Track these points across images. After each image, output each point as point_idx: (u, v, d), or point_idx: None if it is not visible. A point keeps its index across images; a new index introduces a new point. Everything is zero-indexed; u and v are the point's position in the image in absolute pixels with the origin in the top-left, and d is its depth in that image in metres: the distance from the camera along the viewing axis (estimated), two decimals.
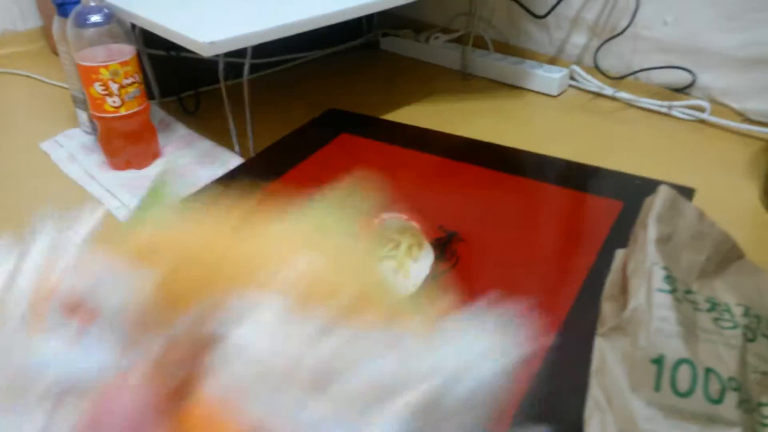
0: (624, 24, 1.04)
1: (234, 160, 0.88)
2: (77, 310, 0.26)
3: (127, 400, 0.24)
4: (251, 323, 0.26)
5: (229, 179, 0.81)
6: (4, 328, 0.26)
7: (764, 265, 0.65)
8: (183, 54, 0.98)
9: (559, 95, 1.10)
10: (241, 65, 0.82)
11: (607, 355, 0.45)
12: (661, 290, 0.46)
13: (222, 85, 0.84)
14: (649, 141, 0.95)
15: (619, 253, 0.57)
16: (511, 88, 1.13)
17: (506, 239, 0.68)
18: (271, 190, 0.79)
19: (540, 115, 1.04)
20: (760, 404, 0.46)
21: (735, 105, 0.98)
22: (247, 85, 0.84)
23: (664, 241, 0.49)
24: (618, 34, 1.05)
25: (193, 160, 0.90)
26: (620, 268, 0.54)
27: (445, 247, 0.68)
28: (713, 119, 0.97)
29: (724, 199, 0.81)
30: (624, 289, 0.50)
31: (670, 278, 0.46)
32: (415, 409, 0.25)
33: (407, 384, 0.25)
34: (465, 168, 0.82)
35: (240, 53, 0.80)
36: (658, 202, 0.51)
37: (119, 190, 0.84)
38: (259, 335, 0.26)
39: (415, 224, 0.63)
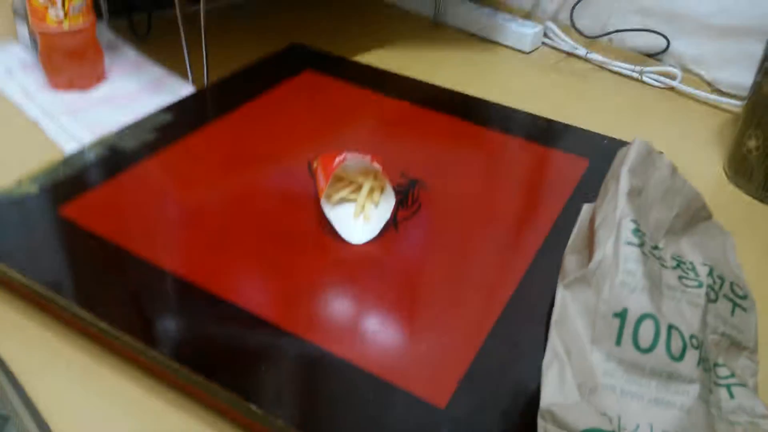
0: None
1: (185, 89, 0.82)
2: None
3: None
4: None
5: (178, 108, 0.75)
6: None
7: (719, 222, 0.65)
8: None
9: (531, 52, 1.07)
10: None
11: (569, 305, 0.43)
12: (629, 243, 0.44)
13: (177, 8, 0.77)
14: (617, 104, 0.93)
15: (586, 207, 0.55)
16: (483, 41, 1.09)
17: (469, 190, 0.66)
18: (223, 122, 0.74)
19: (510, 71, 1.01)
20: (716, 364, 0.45)
21: (705, 75, 0.97)
22: (203, 6, 0.77)
23: (635, 194, 0.47)
24: None
25: (140, 86, 0.84)
26: (587, 221, 0.52)
27: (407, 193, 0.65)
28: (683, 87, 0.96)
29: (688, 167, 0.81)
30: (589, 243, 0.49)
31: (638, 232, 0.45)
32: None
33: None
34: (431, 115, 0.78)
35: None
36: (631, 153, 0.49)
37: (59, 112, 0.78)
38: None
39: (377, 166, 0.60)
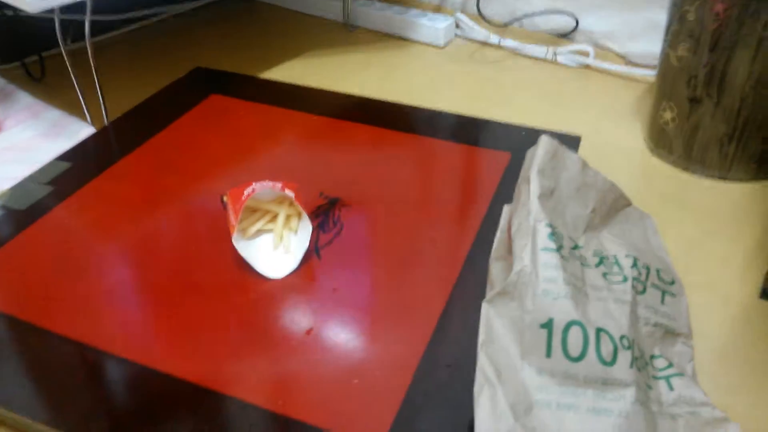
0: None
1: (85, 130, 0.77)
2: None
3: None
4: None
5: (76, 153, 0.71)
6: None
7: (651, 207, 0.65)
8: (20, 13, 0.85)
9: (445, 46, 1.05)
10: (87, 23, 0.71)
11: (494, 322, 0.41)
12: (547, 249, 0.42)
13: (62, 46, 0.72)
14: (535, 89, 0.93)
15: (506, 209, 0.54)
16: (397, 39, 1.07)
17: (394, 201, 0.63)
18: (128, 161, 0.69)
19: (427, 67, 0.99)
20: (653, 356, 0.44)
21: (617, 48, 0.98)
22: (91, 46, 0.73)
23: (547, 195, 0.46)
24: None
25: (37, 133, 0.79)
26: (506, 226, 0.51)
27: (327, 215, 0.62)
28: (597, 63, 0.96)
29: (611, 143, 0.81)
30: (509, 249, 0.47)
31: (555, 235, 0.43)
32: None
33: None
34: (348, 127, 0.76)
35: (80, 8, 0.69)
36: (539, 153, 0.47)
37: None
38: None
39: (290, 192, 0.57)
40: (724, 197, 0.72)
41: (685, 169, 0.76)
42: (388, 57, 1.02)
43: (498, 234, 0.51)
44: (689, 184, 0.74)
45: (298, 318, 0.50)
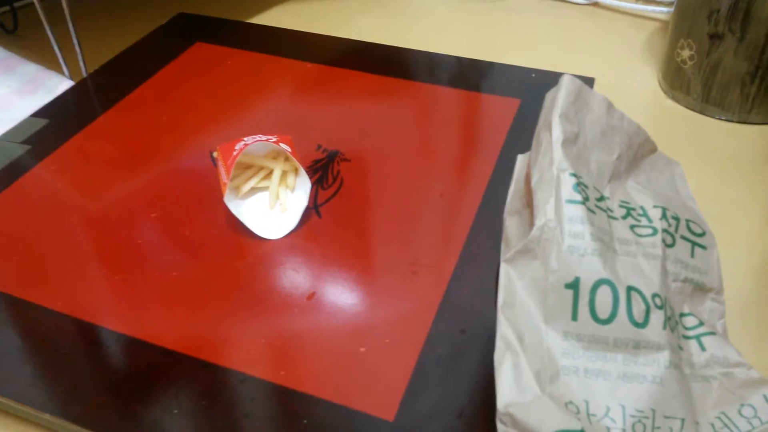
0: None
1: (63, 85, 0.72)
2: None
3: None
4: None
5: (55, 108, 0.66)
6: None
7: (667, 152, 0.61)
8: None
9: None
10: None
11: (515, 284, 0.38)
12: (572, 201, 0.38)
13: None
14: (542, 29, 0.87)
15: (521, 159, 0.50)
16: None
17: (396, 153, 0.59)
18: (109, 117, 0.65)
19: (426, 10, 0.93)
20: (682, 314, 0.41)
21: None
22: None
23: (571, 141, 0.42)
24: None
25: (12, 90, 0.73)
26: (523, 176, 0.47)
27: (326, 169, 0.58)
28: (606, 1, 0.90)
29: (624, 86, 0.76)
30: (529, 202, 0.43)
31: (580, 185, 0.39)
32: None
33: None
34: (345, 75, 0.71)
35: None
36: (561, 95, 0.43)
37: None
38: None
39: (285, 146, 0.53)
40: (744, 141, 0.68)
41: (703, 111, 0.72)
42: (383, 0, 0.95)
43: (512, 185, 0.47)
44: (707, 127, 0.70)
45: (298, 282, 0.47)
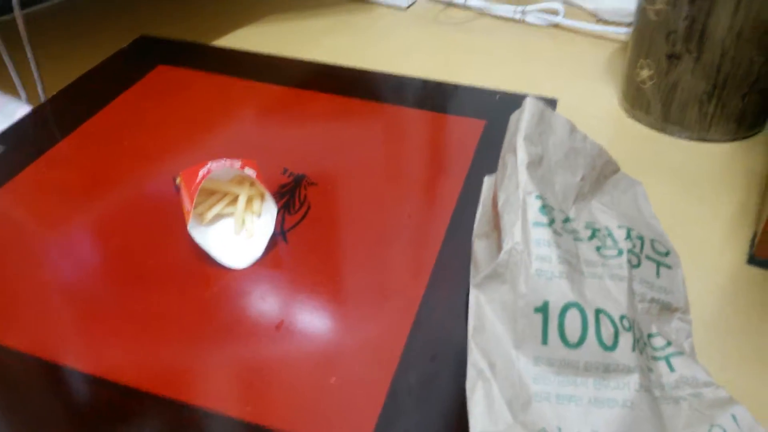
0: None
1: (21, 110, 0.70)
2: None
3: None
4: None
5: (11, 135, 0.64)
6: None
7: (629, 171, 0.61)
8: None
9: (408, 7, 1.00)
10: None
11: (484, 309, 0.38)
12: (538, 224, 0.38)
13: None
14: (504, 51, 0.88)
15: (487, 180, 0.50)
16: (358, 2, 1.01)
17: (363, 175, 0.59)
18: (69, 143, 0.63)
19: (391, 31, 0.94)
20: (650, 335, 0.41)
21: (588, 5, 0.94)
22: (21, 17, 0.65)
23: (535, 164, 0.42)
24: None
25: None
26: (490, 199, 0.47)
27: (293, 194, 0.57)
28: (567, 22, 0.92)
29: (585, 106, 0.77)
30: (497, 225, 0.43)
31: (546, 207, 0.39)
32: None
33: None
34: (311, 97, 0.70)
35: None
36: (525, 118, 0.43)
37: None
38: None
39: (250, 171, 0.52)
40: (703, 158, 0.70)
41: (663, 130, 0.73)
42: (349, 20, 0.96)
43: (480, 208, 0.47)
44: (668, 145, 0.71)
45: (265, 311, 0.46)
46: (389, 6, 0.99)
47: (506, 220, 0.40)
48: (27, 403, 0.40)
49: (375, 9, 0.99)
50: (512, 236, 0.38)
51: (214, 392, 0.40)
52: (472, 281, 0.40)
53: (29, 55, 0.69)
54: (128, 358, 0.42)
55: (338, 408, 0.39)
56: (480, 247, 0.45)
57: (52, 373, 0.42)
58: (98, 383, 0.41)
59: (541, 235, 0.38)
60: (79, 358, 0.42)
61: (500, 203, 0.41)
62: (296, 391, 0.40)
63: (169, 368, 0.42)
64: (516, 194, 0.40)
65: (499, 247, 0.40)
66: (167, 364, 0.42)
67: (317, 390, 0.40)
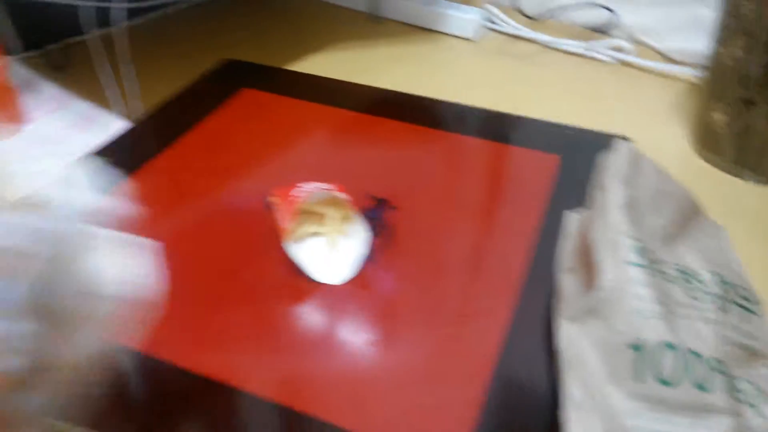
0: None
1: (116, 124, 0.74)
2: None
3: None
4: None
5: (115, 147, 0.68)
6: None
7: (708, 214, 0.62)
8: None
9: (475, 39, 1.02)
10: (116, 9, 0.68)
11: (578, 342, 0.39)
12: (633, 264, 0.40)
13: (91, 33, 0.69)
14: (570, 85, 0.90)
15: (571, 217, 0.52)
16: (425, 31, 1.04)
17: (440, 203, 0.61)
18: (160, 161, 0.67)
19: (457, 61, 0.96)
20: (739, 380, 0.42)
21: (656, 44, 0.95)
22: (123, 33, 0.70)
23: (628, 205, 0.43)
24: None
25: (68, 124, 0.76)
26: (577, 234, 0.48)
27: (378, 217, 0.59)
28: (635, 60, 0.93)
29: (653, 143, 0.78)
30: (585, 261, 0.45)
31: (641, 249, 0.41)
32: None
33: None
34: (385, 123, 0.73)
35: None
36: (618, 160, 0.45)
37: None
38: None
39: (343, 195, 0.55)
40: None
41: (737, 174, 0.74)
42: (417, 50, 0.99)
43: (565, 242, 0.49)
44: (741, 190, 0.71)
45: (357, 328, 0.48)
46: (455, 36, 1.02)
47: (599, 257, 0.41)
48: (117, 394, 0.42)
49: (442, 39, 1.02)
50: (607, 274, 0.40)
51: (321, 400, 0.42)
52: (563, 314, 0.41)
53: (128, 70, 0.73)
54: (230, 361, 0.45)
55: (430, 425, 0.41)
56: (567, 281, 0.46)
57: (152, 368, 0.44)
58: (200, 383, 0.43)
59: (636, 275, 0.40)
60: (179, 355, 0.45)
61: (591, 239, 0.43)
62: (391, 405, 0.42)
63: (270, 373, 0.44)
64: (608, 233, 0.42)
65: (588, 283, 0.42)
66: (272, 373, 0.44)
67: (407, 413, 0.42)
